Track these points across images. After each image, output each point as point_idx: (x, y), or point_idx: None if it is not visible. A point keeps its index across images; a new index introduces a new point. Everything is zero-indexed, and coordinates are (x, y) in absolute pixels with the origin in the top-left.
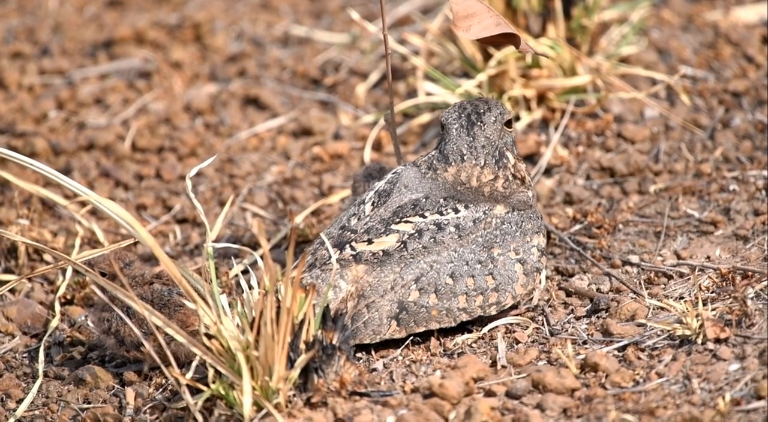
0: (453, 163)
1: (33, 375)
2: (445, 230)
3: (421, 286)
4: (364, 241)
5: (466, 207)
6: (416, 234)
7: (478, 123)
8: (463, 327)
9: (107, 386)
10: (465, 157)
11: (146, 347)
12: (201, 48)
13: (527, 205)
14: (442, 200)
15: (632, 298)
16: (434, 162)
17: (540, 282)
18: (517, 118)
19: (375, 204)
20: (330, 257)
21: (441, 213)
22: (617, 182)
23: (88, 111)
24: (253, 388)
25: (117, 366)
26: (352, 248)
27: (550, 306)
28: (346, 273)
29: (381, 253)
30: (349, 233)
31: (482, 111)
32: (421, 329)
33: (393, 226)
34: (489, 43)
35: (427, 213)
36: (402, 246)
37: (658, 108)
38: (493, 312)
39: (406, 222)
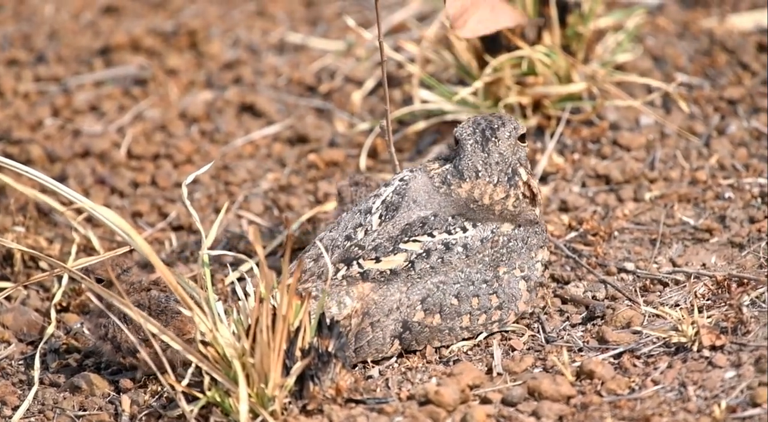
0: (468, 180)
1: (29, 382)
2: (453, 250)
3: (426, 307)
4: (372, 259)
5: (474, 225)
6: (424, 254)
7: (493, 139)
8: None
9: (103, 393)
10: (480, 174)
11: (142, 354)
12: (196, 55)
13: (534, 222)
14: (450, 218)
15: (628, 306)
16: (448, 176)
17: (538, 295)
18: None
19: (383, 217)
20: (336, 272)
21: (449, 233)
22: (613, 189)
23: (83, 118)
24: (249, 395)
25: (113, 374)
26: (360, 266)
27: (545, 313)
28: (352, 290)
29: (388, 272)
30: (356, 249)
31: (496, 126)
32: (423, 347)
33: (401, 245)
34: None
35: (435, 233)
36: (409, 265)
37: (653, 115)
38: (495, 329)
39: (414, 241)
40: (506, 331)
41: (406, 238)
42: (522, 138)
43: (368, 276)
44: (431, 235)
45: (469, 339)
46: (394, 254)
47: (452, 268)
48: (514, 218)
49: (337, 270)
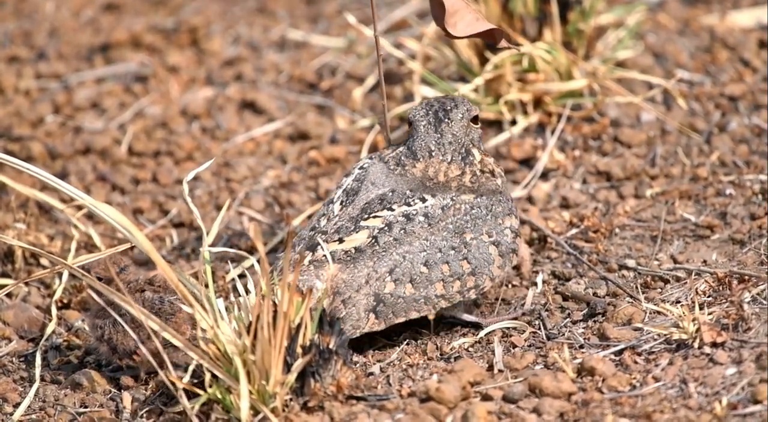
0: (421, 159)
1: (30, 379)
2: (414, 220)
3: (395, 277)
4: (335, 241)
5: (433, 195)
6: (386, 228)
7: (446, 120)
8: (459, 331)
9: (104, 390)
10: (433, 153)
11: (141, 353)
12: (197, 52)
13: (496, 191)
14: (408, 192)
15: (629, 302)
16: (402, 158)
17: (512, 262)
18: (514, 122)
19: (344, 203)
20: (302, 260)
21: (408, 205)
22: (614, 186)
23: (84, 115)
24: (250, 392)
25: (114, 371)
26: (324, 249)
27: (546, 310)
28: (321, 274)
29: (353, 251)
30: (319, 235)
31: (449, 108)
32: (401, 319)
33: (362, 223)
34: (475, 38)
35: (395, 206)
36: (373, 241)
37: (654, 112)
38: (473, 296)
39: (375, 217)
40: (507, 328)
41: (366, 216)
42: (475, 119)
43: (334, 257)
44: (391, 209)
45: (465, 330)
46: (356, 232)
47: (416, 237)
48: (474, 190)
49: (303, 258)
